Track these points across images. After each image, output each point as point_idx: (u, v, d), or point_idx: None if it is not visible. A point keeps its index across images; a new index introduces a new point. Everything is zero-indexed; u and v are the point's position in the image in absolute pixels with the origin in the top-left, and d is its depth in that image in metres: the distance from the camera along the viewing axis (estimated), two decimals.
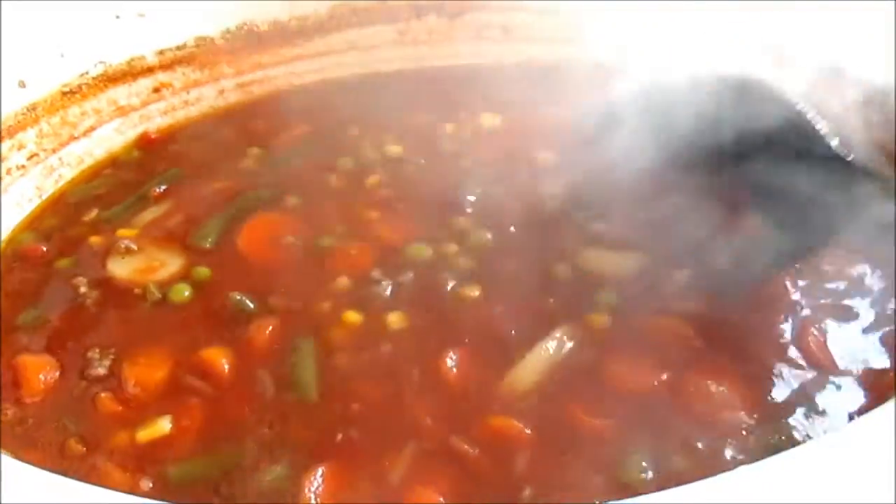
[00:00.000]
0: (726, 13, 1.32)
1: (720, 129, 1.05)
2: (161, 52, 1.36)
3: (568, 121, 1.29)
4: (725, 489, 0.62)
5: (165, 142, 1.36)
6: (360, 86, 1.48)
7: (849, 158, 0.95)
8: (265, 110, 1.42)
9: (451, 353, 0.92)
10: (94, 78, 1.29)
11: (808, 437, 0.83)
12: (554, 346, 0.92)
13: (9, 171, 1.19)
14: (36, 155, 1.22)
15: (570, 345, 0.93)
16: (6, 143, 1.18)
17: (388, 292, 1.01)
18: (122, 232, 1.15)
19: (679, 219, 1.08)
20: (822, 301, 0.98)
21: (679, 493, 0.62)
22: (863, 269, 1.02)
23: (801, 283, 1.01)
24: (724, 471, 0.64)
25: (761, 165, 0.99)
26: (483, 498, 0.79)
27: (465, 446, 0.83)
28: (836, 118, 1.20)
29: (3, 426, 0.89)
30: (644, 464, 0.80)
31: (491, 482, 0.80)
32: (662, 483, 0.78)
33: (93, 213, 1.20)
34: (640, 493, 0.68)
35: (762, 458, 0.66)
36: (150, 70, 1.35)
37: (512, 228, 1.10)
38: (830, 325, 0.95)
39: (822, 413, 0.85)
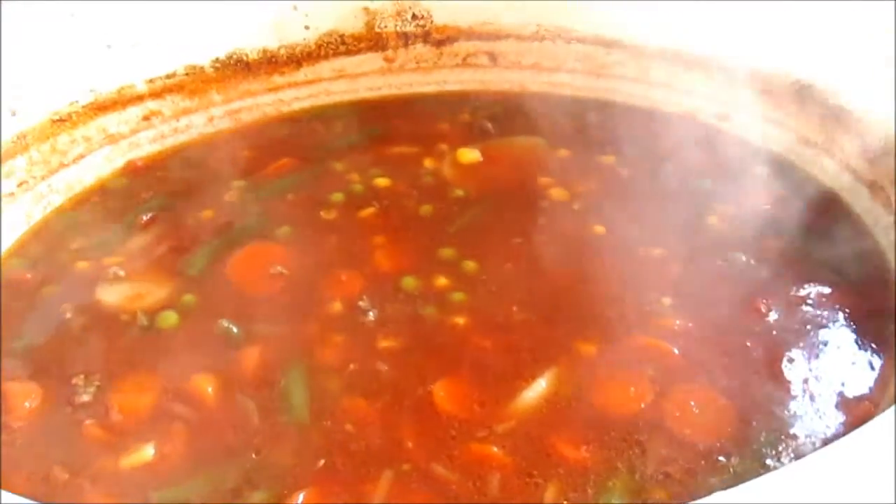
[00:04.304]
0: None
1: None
2: (151, 81, 1.37)
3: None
4: None
5: (152, 169, 1.36)
6: (347, 114, 1.49)
7: None
8: (254, 139, 1.43)
9: (436, 381, 0.93)
10: (84, 106, 1.30)
11: (780, 462, 0.84)
12: (542, 380, 0.93)
13: None
14: (25, 182, 1.23)
15: (556, 377, 0.94)
16: None
17: (375, 320, 1.03)
18: (109, 259, 1.16)
19: (668, 244, 1.11)
20: (797, 325, 1.00)
21: None
22: (838, 293, 1.04)
23: (775, 306, 1.02)
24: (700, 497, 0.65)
25: None
26: None
27: (445, 472, 0.84)
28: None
29: None
30: (620, 493, 0.81)
31: None
32: None
33: (79, 241, 1.20)
34: None
35: (737, 484, 0.67)
36: (140, 98, 1.36)
37: (502, 260, 1.11)
38: (806, 349, 0.97)
39: (797, 438, 0.87)
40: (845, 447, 0.65)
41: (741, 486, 0.63)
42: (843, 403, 0.90)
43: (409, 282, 1.08)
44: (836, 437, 0.86)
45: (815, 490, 0.61)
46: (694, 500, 0.65)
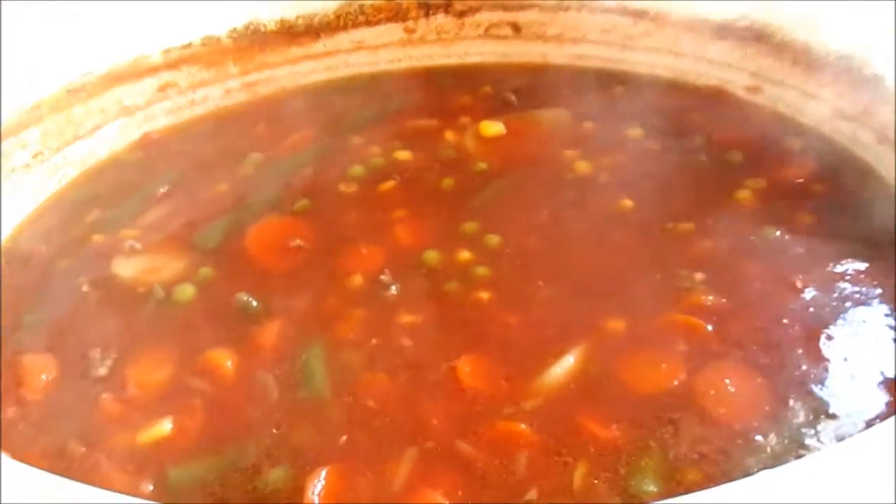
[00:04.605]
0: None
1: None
2: (167, 52, 1.34)
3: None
4: (738, 495, 0.59)
5: (168, 142, 1.34)
6: (366, 86, 1.46)
7: None
8: (271, 111, 1.41)
9: (460, 357, 0.90)
10: (98, 77, 1.28)
11: (820, 442, 0.81)
12: (570, 356, 0.90)
13: (13, 170, 1.17)
14: (40, 153, 1.21)
15: (585, 353, 0.90)
16: (10, 141, 1.17)
17: (397, 295, 1.00)
18: (125, 232, 1.14)
19: (699, 219, 1.07)
20: (835, 302, 0.96)
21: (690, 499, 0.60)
22: (876, 269, 1.00)
23: (812, 282, 0.98)
24: (738, 478, 0.62)
25: None
26: (487, 501, 0.77)
27: (471, 450, 0.81)
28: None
29: (4, 425, 0.88)
30: (653, 473, 0.78)
31: (496, 486, 0.79)
32: (672, 492, 0.77)
33: (95, 214, 1.19)
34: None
35: (775, 464, 0.64)
36: (155, 69, 1.33)
37: (526, 234, 1.08)
38: (844, 326, 0.93)
39: (837, 418, 0.83)
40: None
41: (781, 468, 0.59)
42: (885, 383, 0.86)
43: (431, 256, 1.05)
44: (878, 417, 0.82)
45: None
46: (730, 480, 0.62)
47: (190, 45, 1.36)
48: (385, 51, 1.48)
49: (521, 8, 1.46)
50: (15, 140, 1.18)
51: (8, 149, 1.17)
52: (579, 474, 0.79)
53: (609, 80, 1.41)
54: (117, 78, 1.30)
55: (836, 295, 0.97)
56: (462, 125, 1.32)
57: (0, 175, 1.14)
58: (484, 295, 0.99)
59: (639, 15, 1.40)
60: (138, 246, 1.11)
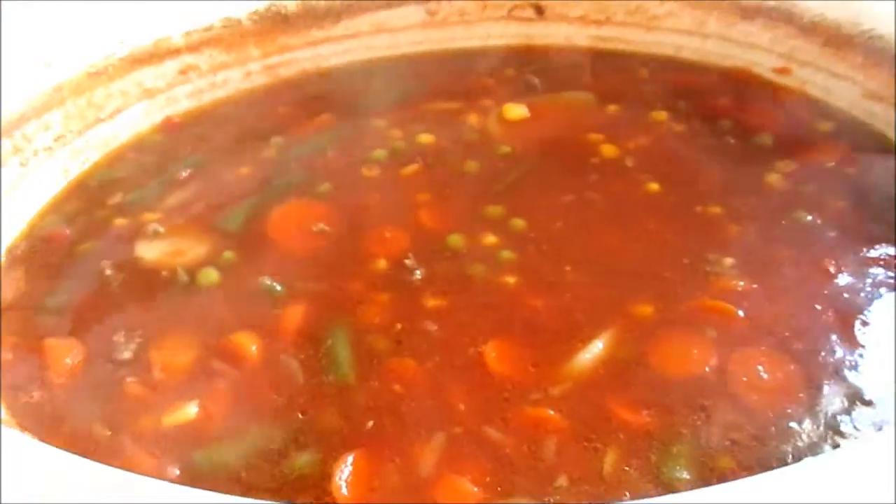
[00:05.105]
0: None
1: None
2: (188, 34, 1.33)
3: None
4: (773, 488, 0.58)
5: (189, 125, 1.33)
6: (388, 69, 1.45)
7: None
8: (292, 94, 1.40)
9: (487, 342, 0.89)
10: (120, 59, 1.27)
11: (857, 429, 0.80)
12: (598, 341, 0.89)
13: (35, 153, 1.17)
14: (62, 136, 1.21)
15: (613, 338, 0.89)
16: (32, 124, 1.16)
17: (422, 279, 0.99)
18: (148, 215, 1.13)
19: (728, 203, 1.05)
20: (870, 287, 0.94)
21: (719, 491, 0.58)
22: None
23: (844, 267, 0.97)
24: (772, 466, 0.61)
25: None
26: (516, 488, 0.76)
27: (499, 435, 0.80)
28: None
29: (30, 408, 0.87)
30: (685, 460, 0.77)
31: (524, 472, 0.78)
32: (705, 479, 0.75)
33: (117, 197, 1.18)
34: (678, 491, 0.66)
35: (811, 453, 0.62)
36: (176, 52, 1.32)
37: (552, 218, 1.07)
38: (878, 312, 0.91)
39: (871, 405, 0.82)
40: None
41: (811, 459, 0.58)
42: None
43: (455, 240, 1.04)
44: None
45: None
46: (764, 468, 0.61)
47: (211, 27, 1.35)
48: (407, 33, 1.47)
49: None
50: (37, 123, 1.17)
51: (31, 132, 1.16)
52: (609, 461, 0.78)
53: (634, 63, 1.39)
54: (139, 61, 1.29)
55: (869, 280, 0.95)
56: (485, 108, 1.31)
57: (2, 161, 1.13)
58: (510, 279, 0.98)
59: None
60: (161, 229, 1.10)
